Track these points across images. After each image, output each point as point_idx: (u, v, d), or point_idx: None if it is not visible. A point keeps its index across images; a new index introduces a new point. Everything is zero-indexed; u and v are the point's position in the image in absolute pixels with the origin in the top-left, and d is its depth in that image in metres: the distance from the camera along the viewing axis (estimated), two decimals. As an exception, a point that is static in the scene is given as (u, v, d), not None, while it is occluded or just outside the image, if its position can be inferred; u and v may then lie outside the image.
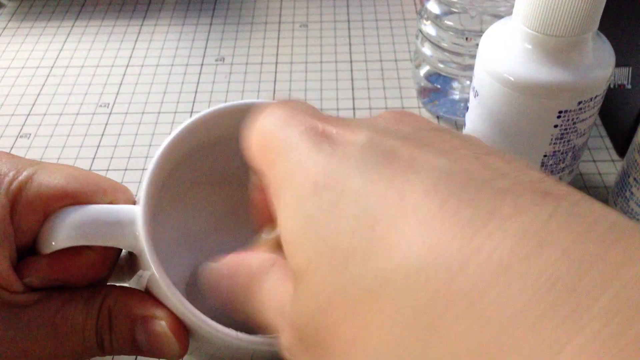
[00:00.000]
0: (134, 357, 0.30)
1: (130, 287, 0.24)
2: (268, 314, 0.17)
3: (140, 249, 0.22)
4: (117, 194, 0.24)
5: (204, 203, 0.29)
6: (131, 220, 0.22)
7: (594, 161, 0.39)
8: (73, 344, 0.22)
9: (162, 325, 0.22)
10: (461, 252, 0.11)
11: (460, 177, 0.13)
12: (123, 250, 0.25)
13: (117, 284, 0.24)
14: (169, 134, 0.25)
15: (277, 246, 0.19)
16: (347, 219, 0.14)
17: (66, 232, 0.22)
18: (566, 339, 0.10)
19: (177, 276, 0.25)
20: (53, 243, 0.22)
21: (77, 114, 0.44)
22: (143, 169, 0.40)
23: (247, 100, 0.26)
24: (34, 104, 0.45)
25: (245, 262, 0.19)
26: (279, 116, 0.17)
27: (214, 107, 0.25)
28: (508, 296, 0.11)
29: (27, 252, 0.23)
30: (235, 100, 0.26)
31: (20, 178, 0.22)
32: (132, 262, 0.24)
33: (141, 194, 0.22)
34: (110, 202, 0.23)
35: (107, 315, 0.23)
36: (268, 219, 0.21)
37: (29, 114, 0.45)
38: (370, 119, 0.17)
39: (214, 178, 0.29)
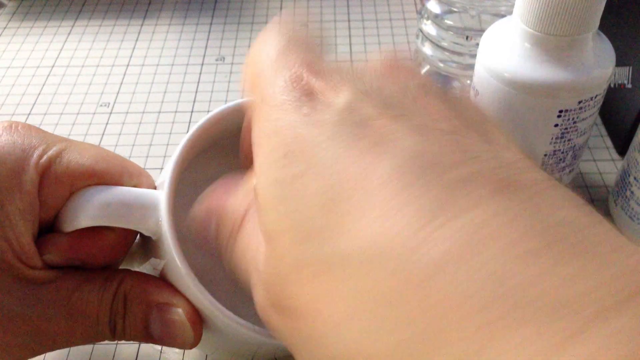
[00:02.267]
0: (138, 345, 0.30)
1: (147, 274, 0.24)
2: (245, 267, 0.17)
3: (160, 234, 0.22)
4: (142, 178, 0.24)
5: None
6: (155, 204, 0.22)
7: (594, 160, 0.39)
8: (86, 326, 0.22)
9: (179, 313, 0.22)
10: (411, 240, 0.12)
11: (426, 160, 0.13)
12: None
13: (133, 270, 0.24)
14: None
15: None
16: (312, 194, 0.14)
17: (91, 211, 0.22)
18: (498, 334, 0.10)
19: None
20: (76, 221, 0.22)
21: (78, 113, 0.44)
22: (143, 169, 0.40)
23: None
24: (34, 104, 0.45)
25: (223, 207, 0.19)
26: (273, 47, 0.17)
27: (237, 101, 0.25)
28: (454, 282, 0.11)
29: (46, 229, 0.23)
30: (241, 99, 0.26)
31: (50, 153, 0.22)
32: (145, 249, 0.24)
33: (165, 180, 0.22)
34: (135, 186, 0.23)
35: (122, 299, 0.23)
36: (252, 158, 0.21)
37: (29, 114, 0.45)
38: (360, 71, 0.17)
39: (236, 170, 0.28)
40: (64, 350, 0.30)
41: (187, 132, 0.24)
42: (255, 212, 0.17)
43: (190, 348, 0.23)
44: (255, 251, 0.16)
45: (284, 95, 0.16)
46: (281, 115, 0.15)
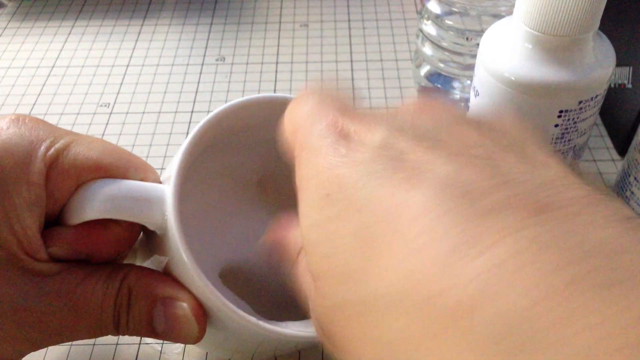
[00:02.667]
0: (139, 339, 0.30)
1: (151, 268, 0.24)
2: (303, 296, 0.18)
3: (166, 228, 0.22)
4: (148, 173, 0.24)
5: (228, 191, 0.29)
6: (161, 198, 0.22)
7: (595, 161, 0.39)
8: (89, 320, 0.22)
9: (183, 307, 0.22)
10: (435, 282, 0.12)
11: (458, 190, 0.13)
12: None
13: (138, 264, 0.24)
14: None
15: None
16: (348, 234, 0.14)
17: (97, 203, 0.22)
18: None
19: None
20: (83, 214, 0.22)
21: (78, 113, 0.44)
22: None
23: (280, 94, 0.26)
24: (34, 104, 0.45)
25: (282, 241, 0.20)
26: (307, 106, 0.18)
27: (244, 98, 0.25)
28: (467, 338, 0.11)
29: (52, 222, 0.23)
30: (267, 93, 0.26)
31: (57, 145, 0.22)
32: (148, 245, 0.24)
33: (171, 175, 0.22)
34: (141, 180, 0.23)
35: (126, 294, 0.23)
36: None
37: (29, 114, 0.45)
38: (393, 113, 0.18)
39: (240, 171, 0.29)
40: (65, 350, 0.30)
41: (188, 132, 0.24)
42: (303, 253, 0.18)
43: (194, 343, 0.23)
44: (308, 284, 0.17)
45: (322, 140, 0.16)
46: (319, 159, 0.16)
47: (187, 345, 0.30)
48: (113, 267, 0.23)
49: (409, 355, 0.12)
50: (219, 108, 0.25)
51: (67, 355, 0.30)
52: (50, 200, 0.22)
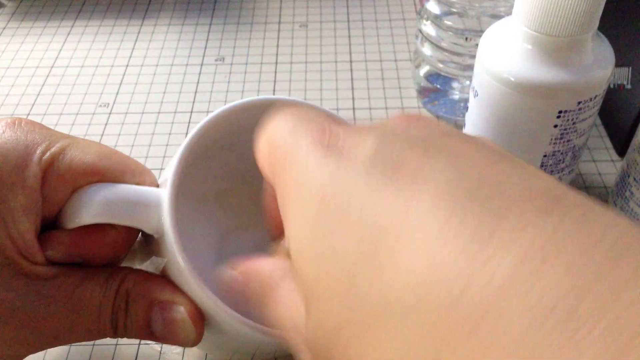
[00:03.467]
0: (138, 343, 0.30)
1: (149, 272, 0.24)
2: (283, 327, 0.17)
3: (163, 232, 0.22)
4: (144, 176, 0.24)
5: (224, 197, 0.29)
6: (157, 202, 0.22)
7: (594, 161, 0.39)
8: (87, 323, 0.22)
9: (181, 311, 0.22)
10: (462, 275, 0.11)
11: (467, 188, 0.13)
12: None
13: (137, 267, 0.24)
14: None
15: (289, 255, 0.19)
16: (352, 238, 0.13)
17: (93, 208, 0.22)
18: None
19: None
20: (79, 218, 0.22)
21: (77, 114, 0.44)
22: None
23: (280, 96, 0.26)
24: (33, 104, 0.45)
25: (258, 270, 0.19)
26: (286, 125, 0.17)
27: (243, 100, 0.25)
28: (507, 322, 0.10)
29: (48, 226, 0.23)
30: (266, 95, 0.26)
31: (53, 149, 0.22)
32: (146, 247, 0.24)
33: (168, 179, 0.22)
34: (137, 184, 0.23)
35: (124, 296, 0.23)
36: (281, 226, 0.21)
37: (28, 114, 0.45)
38: (379, 124, 0.17)
39: (237, 173, 0.29)
40: (64, 351, 0.30)
41: (187, 132, 0.24)
42: (289, 278, 0.17)
43: (192, 346, 0.23)
44: (293, 314, 0.16)
45: (309, 155, 0.15)
46: (309, 167, 0.15)
47: (186, 346, 0.30)
48: (111, 271, 0.23)
49: (440, 354, 0.11)
50: (217, 110, 0.25)
51: (67, 355, 0.30)
52: (46, 204, 0.22)
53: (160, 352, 0.30)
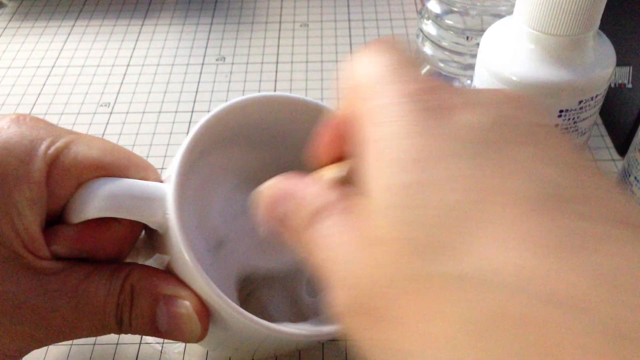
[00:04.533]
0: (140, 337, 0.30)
1: (154, 267, 0.24)
2: (321, 262, 0.16)
3: (167, 227, 0.22)
4: (149, 172, 0.24)
5: (228, 193, 0.29)
6: (162, 197, 0.22)
7: (595, 160, 0.39)
8: (92, 318, 0.22)
9: (186, 305, 0.22)
10: (535, 274, 0.11)
11: (563, 192, 0.13)
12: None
13: (141, 262, 0.24)
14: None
15: (340, 185, 0.18)
16: (439, 206, 0.13)
17: (98, 202, 0.22)
18: None
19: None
20: (84, 212, 0.22)
21: (78, 113, 0.44)
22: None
23: (281, 93, 0.26)
24: (34, 104, 0.45)
25: (295, 191, 0.18)
26: (380, 63, 0.16)
27: (244, 96, 0.25)
28: (571, 335, 0.10)
29: (53, 221, 0.23)
30: (267, 92, 0.26)
31: (58, 144, 0.22)
32: (150, 243, 0.24)
33: (172, 174, 0.22)
34: (142, 179, 0.23)
35: (129, 292, 0.23)
36: (333, 159, 0.20)
37: (29, 114, 0.45)
38: (485, 99, 0.16)
39: (241, 170, 0.29)
40: (65, 351, 0.30)
41: (188, 132, 0.24)
42: (346, 213, 0.16)
43: (197, 342, 0.23)
44: (337, 250, 0.15)
45: (408, 105, 0.15)
46: (405, 123, 0.15)
47: (187, 345, 0.30)
48: (116, 266, 0.23)
49: (490, 340, 0.11)
50: (219, 107, 0.25)
51: (68, 355, 0.30)
52: (51, 199, 0.22)
53: (161, 352, 0.30)
